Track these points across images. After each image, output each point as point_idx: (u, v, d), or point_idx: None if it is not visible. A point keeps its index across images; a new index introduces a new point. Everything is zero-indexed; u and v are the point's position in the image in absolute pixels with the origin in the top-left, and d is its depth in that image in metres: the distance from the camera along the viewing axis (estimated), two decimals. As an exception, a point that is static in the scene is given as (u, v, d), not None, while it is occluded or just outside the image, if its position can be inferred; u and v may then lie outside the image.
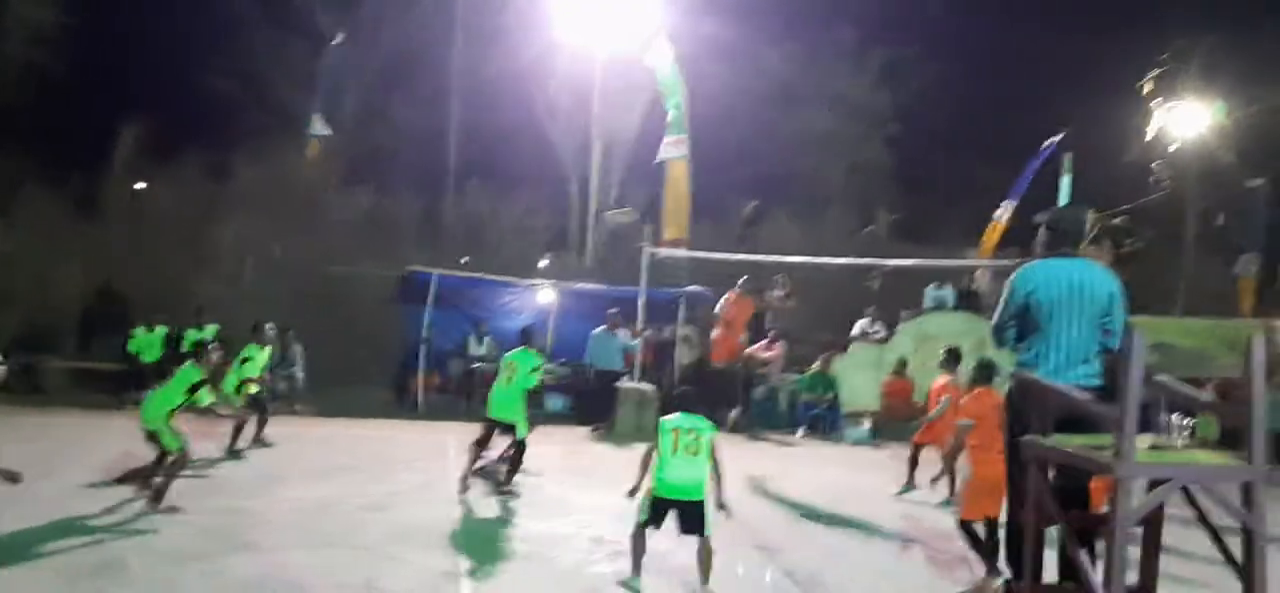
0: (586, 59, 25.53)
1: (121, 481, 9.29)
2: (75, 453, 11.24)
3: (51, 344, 16.63)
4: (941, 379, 11.37)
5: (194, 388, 9.20)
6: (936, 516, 10.56)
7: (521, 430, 10.57)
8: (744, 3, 28.58)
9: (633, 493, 7.39)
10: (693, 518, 7.19)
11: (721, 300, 17.80)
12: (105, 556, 7.32)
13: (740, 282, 18.00)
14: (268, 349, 13.48)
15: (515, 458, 10.59)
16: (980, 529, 7.66)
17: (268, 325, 13.71)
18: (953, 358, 10.73)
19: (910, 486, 11.60)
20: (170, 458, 9.03)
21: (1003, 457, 7.14)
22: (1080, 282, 5.59)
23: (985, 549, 7.55)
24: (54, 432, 13.30)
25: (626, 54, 24.30)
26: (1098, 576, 4.76)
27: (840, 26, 32.21)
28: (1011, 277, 5.85)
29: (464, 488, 10.19)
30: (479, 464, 10.63)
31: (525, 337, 11.23)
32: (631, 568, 7.40)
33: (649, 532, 7.33)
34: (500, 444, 10.84)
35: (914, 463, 11.65)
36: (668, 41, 18.19)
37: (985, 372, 8.74)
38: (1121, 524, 4.58)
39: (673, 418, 7.45)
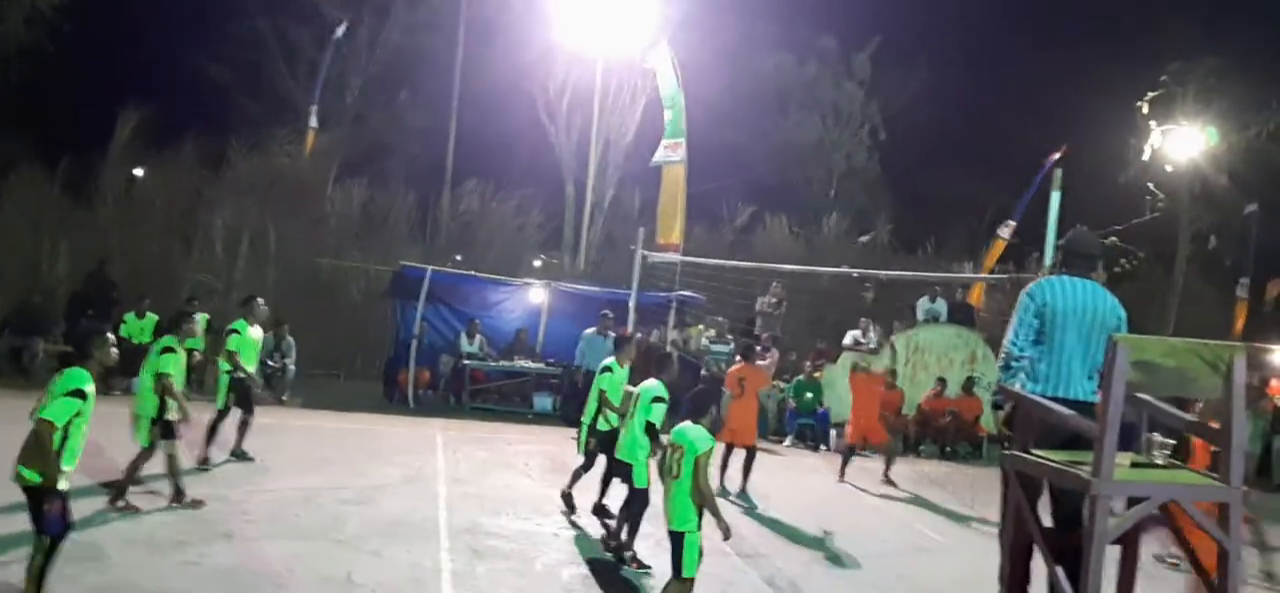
0: (587, 62, 25.54)
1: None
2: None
3: (40, 327, 16.47)
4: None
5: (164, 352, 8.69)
6: (921, 524, 10.57)
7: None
8: (740, 9, 28.69)
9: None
10: None
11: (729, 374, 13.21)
12: (83, 543, 7.24)
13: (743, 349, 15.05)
14: (258, 331, 11.54)
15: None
16: None
17: (259, 301, 11.79)
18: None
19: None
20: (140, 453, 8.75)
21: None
22: (1092, 301, 5.56)
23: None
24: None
25: (627, 58, 24.40)
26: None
27: (828, 35, 32.40)
28: (1026, 289, 5.83)
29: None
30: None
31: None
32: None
33: None
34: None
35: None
36: (668, 47, 18.20)
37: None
38: (1098, 541, 4.55)
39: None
